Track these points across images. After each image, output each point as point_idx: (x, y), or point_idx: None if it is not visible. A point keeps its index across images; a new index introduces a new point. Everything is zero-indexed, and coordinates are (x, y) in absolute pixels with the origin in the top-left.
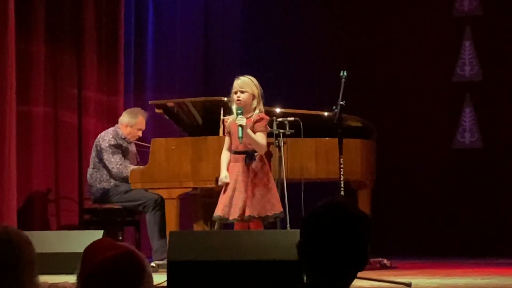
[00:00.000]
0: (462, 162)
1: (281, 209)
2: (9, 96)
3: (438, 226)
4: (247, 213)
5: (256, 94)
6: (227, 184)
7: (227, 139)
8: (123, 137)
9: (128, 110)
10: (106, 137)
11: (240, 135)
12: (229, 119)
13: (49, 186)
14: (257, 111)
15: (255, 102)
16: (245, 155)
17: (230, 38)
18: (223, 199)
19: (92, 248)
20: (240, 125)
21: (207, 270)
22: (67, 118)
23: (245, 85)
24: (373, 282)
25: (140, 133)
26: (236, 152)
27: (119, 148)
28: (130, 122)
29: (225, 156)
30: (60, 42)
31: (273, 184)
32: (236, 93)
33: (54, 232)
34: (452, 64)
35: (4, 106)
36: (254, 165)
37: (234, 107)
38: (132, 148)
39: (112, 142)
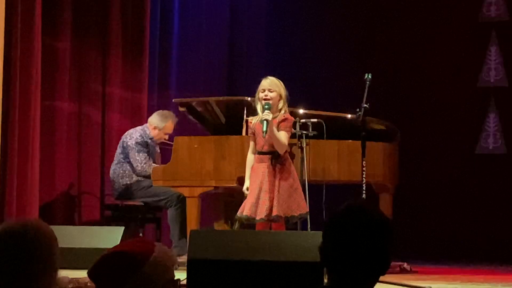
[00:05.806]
0: (484, 167)
1: (307, 209)
2: (34, 91)
3: (459, 231)
4: (274, 213)
5: (283, 96)
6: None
7: (252, 142)
8: (150, 137)
9: (160, 112)
10: (134, 135)
11: (264, 129)
12: (253, 119)
13: (71, 181)
14: (282, 111)
15: (281, 103)
16: (270, 155)
17: (254, 38)
18: (249, 199)
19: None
20: (266, 120)
21: (227, 269)
22: (91, 114)
23: (274, 85)
24: (393, 286)
25: (166, 137)
26: (261, 153)
27: (145, 147)
28: (159, 125)
29: (250, 160)
30: (86, 39)
31: (298, 184)
32: (264, 91)
33: (75, 227)
34: (478, 69)
35: (29, 101)
36: (279, 165)
37: (259, 106)
38: (157, 149)
39: (139, 140)
